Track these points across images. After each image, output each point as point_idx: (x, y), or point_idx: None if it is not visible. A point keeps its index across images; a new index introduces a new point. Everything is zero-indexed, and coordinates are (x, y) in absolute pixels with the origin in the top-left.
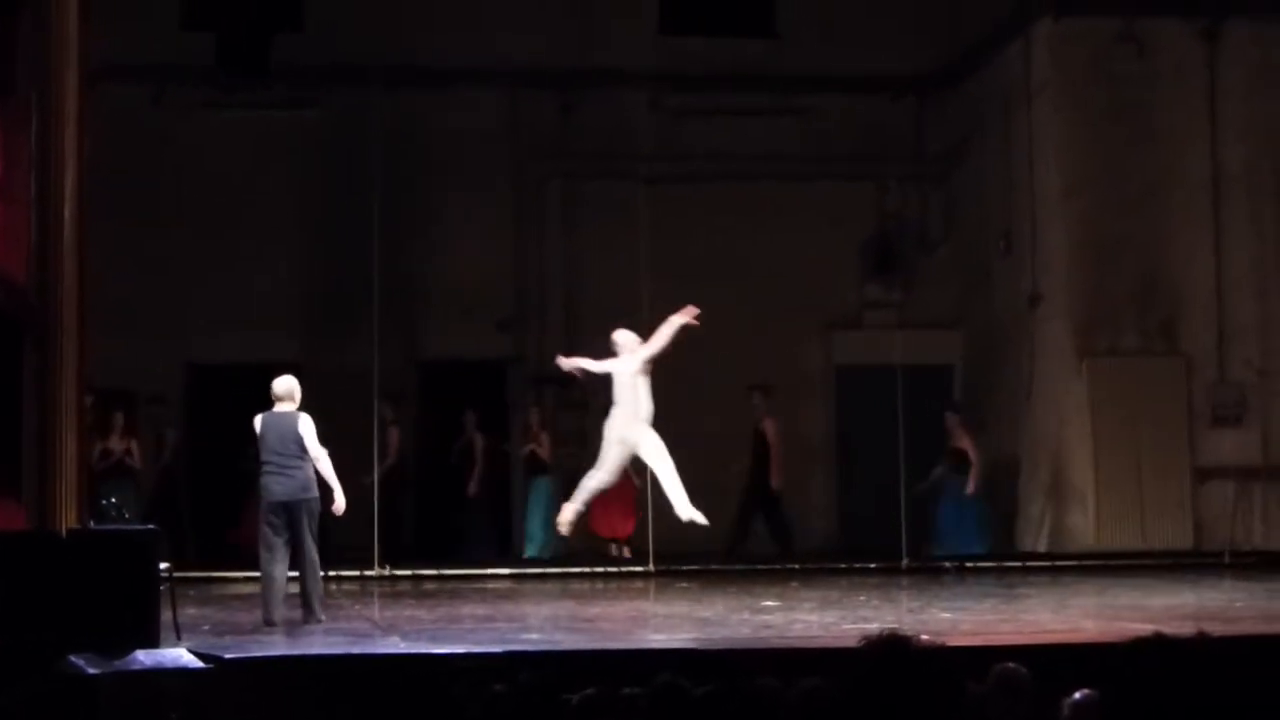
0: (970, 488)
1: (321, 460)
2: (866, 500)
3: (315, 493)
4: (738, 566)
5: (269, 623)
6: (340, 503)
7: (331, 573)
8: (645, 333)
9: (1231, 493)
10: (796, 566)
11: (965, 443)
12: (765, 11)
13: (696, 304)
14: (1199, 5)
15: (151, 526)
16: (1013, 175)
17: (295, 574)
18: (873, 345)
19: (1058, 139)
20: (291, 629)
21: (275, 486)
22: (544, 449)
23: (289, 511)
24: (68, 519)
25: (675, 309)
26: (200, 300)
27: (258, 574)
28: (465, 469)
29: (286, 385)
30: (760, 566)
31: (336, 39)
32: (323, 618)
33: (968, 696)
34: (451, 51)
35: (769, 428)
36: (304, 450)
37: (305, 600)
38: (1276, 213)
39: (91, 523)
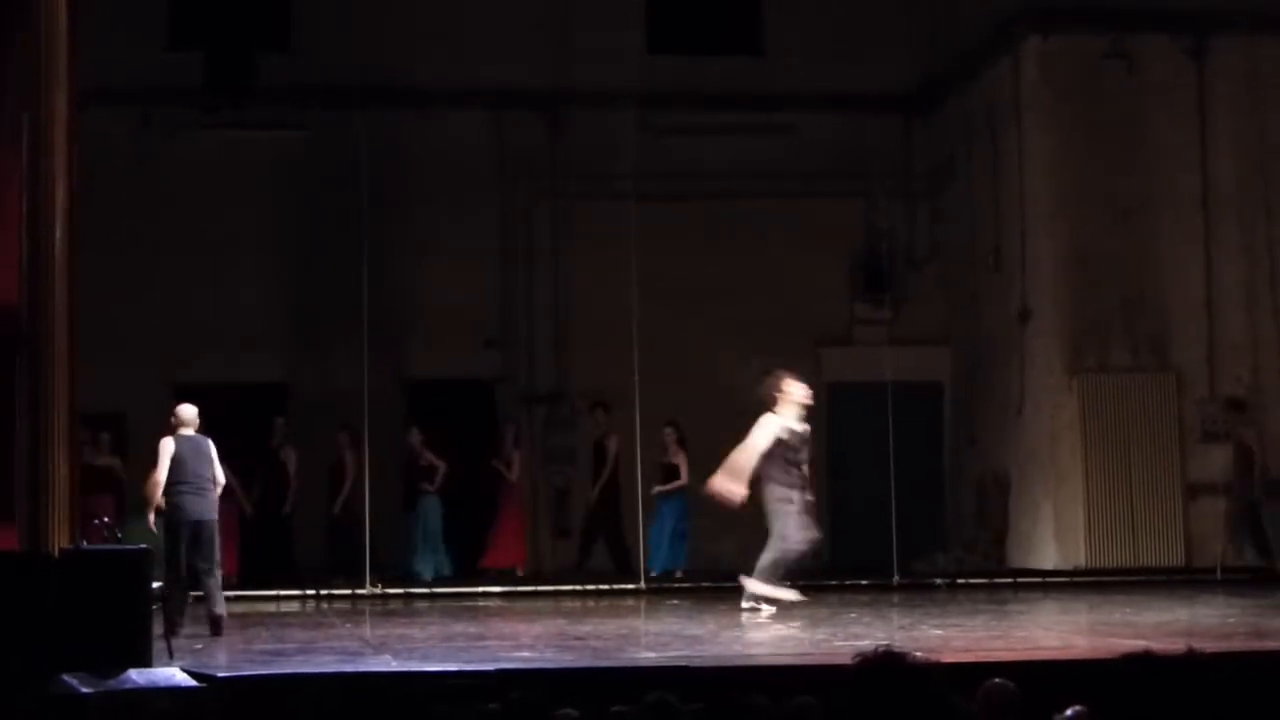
0: None
1: (223, 482)
2: (858, 517)
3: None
4: (726, 584)
5: (178, 631)
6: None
7: (323, 591)
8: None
9: (1222, 509)
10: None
11: None
12: (753, 29)
13: (686, 321)
14: (1187, 22)
15: (144, 546)
16: (1001, 191)
17: (201, 594)
18: (863, 362)
19: (1046, 155)
20: (283, 647)
21: (193, 505)
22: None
23: (202, 529)
24: (60, 539)
25: (664, 327)
26: (187, 320)
27: (244, 593)
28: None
29: (194, 411)
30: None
31: (323, 60)
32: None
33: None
34: (438, 71)
35: (610, 444)
36: (215, 473)
37: (218, 616)
38: (1266, 228)
39: (84, 542)
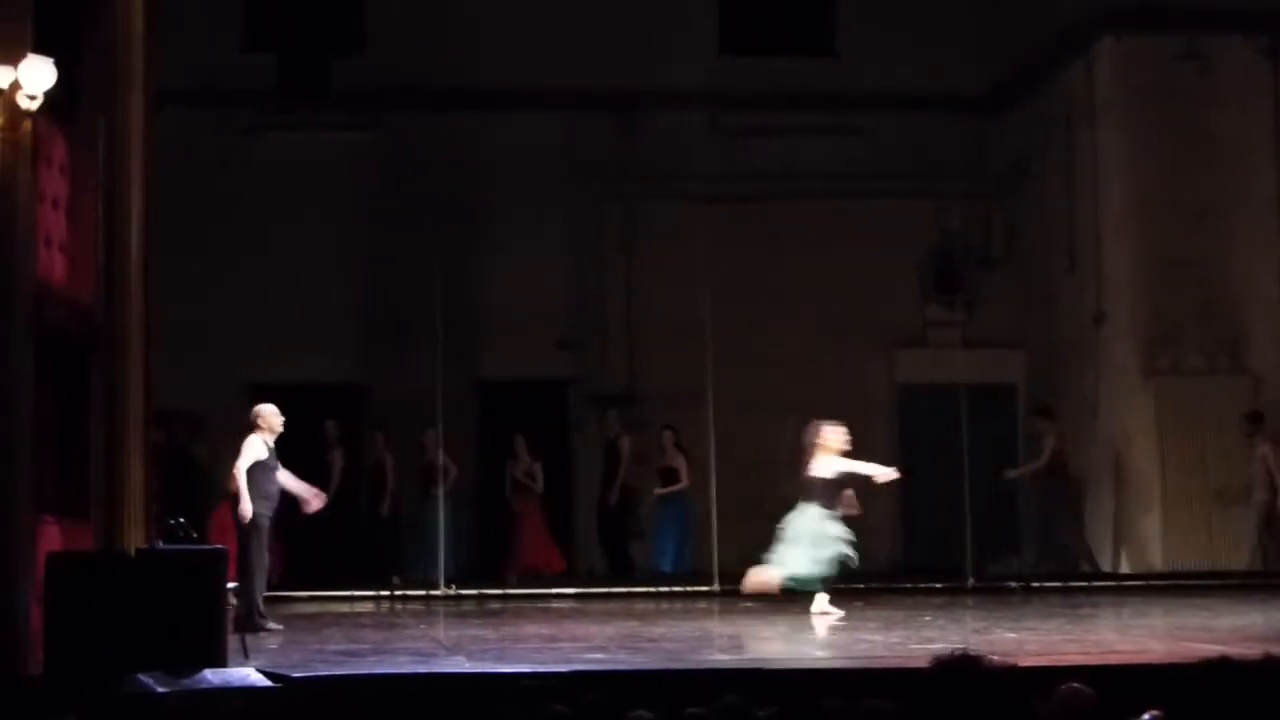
0: None
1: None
2: (931, 519)
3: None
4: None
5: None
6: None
7: (397, 593)
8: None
9: None
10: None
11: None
12: (825, 30)
13: (758, 323)
14: (1262, 22)
15: (219, 546)
16: (1075, 193)
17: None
18: (936, 364)
19: (1121, 157)
20: (357, 648)
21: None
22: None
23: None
24: (135, 539)
25: (735, 329)
26: (261, 322)
27: (323, 594)
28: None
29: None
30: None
31: (396, 62)
32: None
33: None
34: (511, 73)
35: (623, 445)
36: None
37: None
38: None
39: (159, 542)
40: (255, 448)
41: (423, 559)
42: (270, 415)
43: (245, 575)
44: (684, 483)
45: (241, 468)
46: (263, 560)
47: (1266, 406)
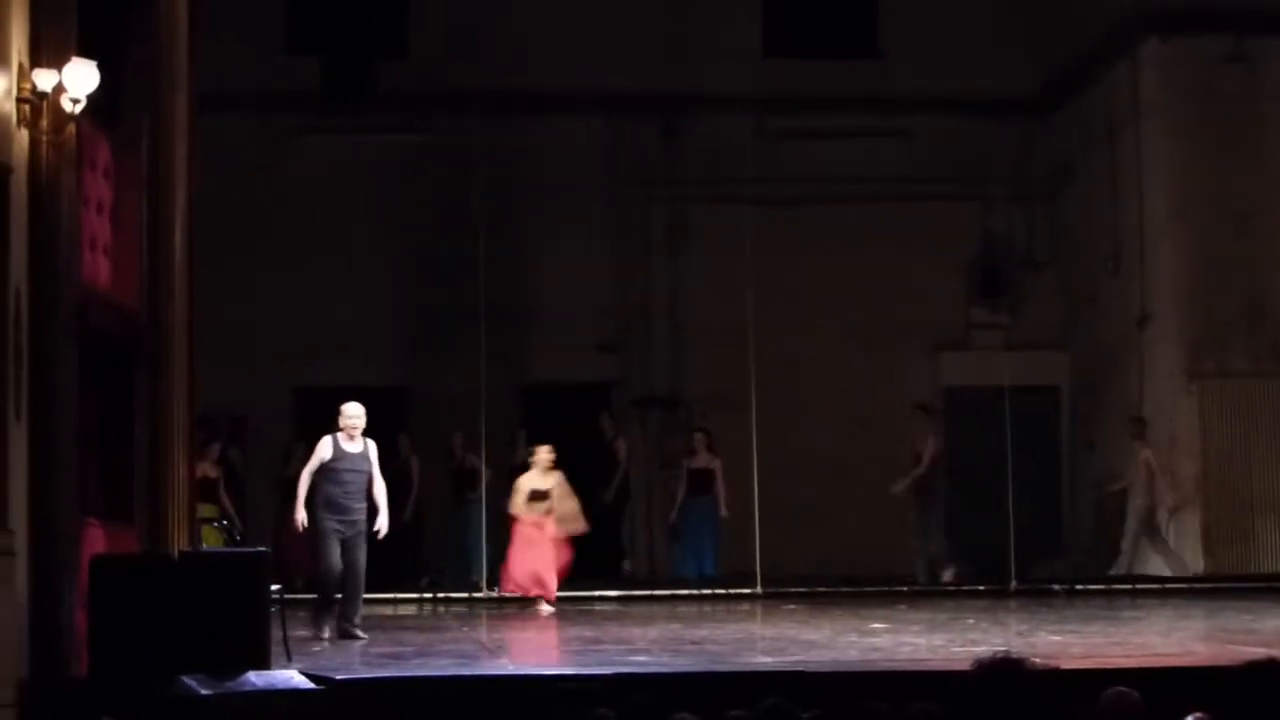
0: None
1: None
2: (974, 521)
3: None
4: (844, 589)
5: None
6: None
7: (440, 595)
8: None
9: None
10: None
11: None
12: (869, 33)
13: (802, 325)
14: None
15: (262, 549)
16: (1120, 195)
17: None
18: (980, 366)
19: (1166, 159)
20: (400, 650)
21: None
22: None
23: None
24: (179, 541)
25: (779, 331)
26: (306, 325)
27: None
28: None
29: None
30: (868, 589)
31: (440, 66)
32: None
33: None
34: (555, 76)
35: (619, 447)
36: None
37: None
38: None
39: (202, 545)
40: (321, 450)
41: (458, 562)
42: (341, 413)
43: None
44: (720, 486)
45: (303, 471)
46: (327, 566)
47: None
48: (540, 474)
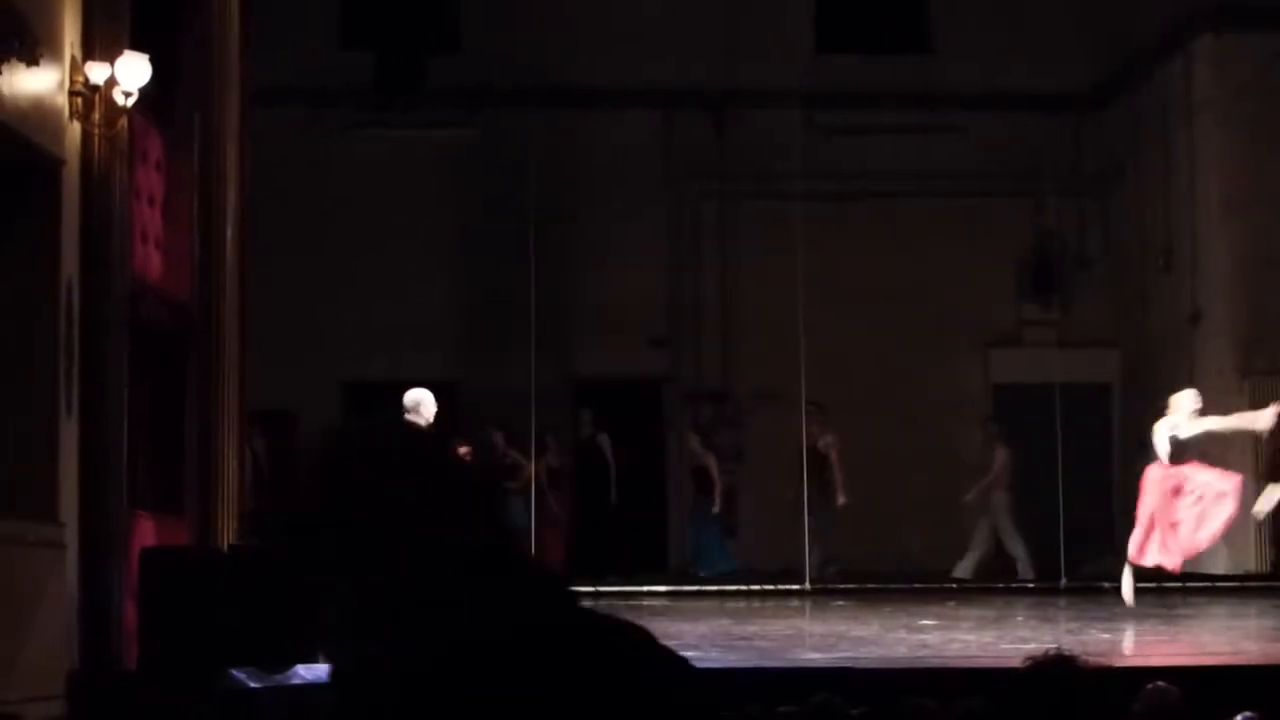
0: None
1: None
2: (1024, 519)
3: None
4: (893, 586)
5: None
6: None
7: None
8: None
9: None
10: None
11: None
12: (921, 28)
13: (852, 321)
14: None
15: None
16: (1172, 192)
17: None
18: (1031, 363)
19: (1219, 155)
20: None
21: None
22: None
23: None
24: (229, 534)
25: (830, 326)
26: (356, 319)
27: None
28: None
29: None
30: (918, 585)
31: (492, 60)
32: None
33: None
34: (606, 71)
35: (602, 443)
36: None
37: None
38: None
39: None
40: None
41: None
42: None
43: None
44: (716, 481)
45: None
46: None
47: None
48: None
